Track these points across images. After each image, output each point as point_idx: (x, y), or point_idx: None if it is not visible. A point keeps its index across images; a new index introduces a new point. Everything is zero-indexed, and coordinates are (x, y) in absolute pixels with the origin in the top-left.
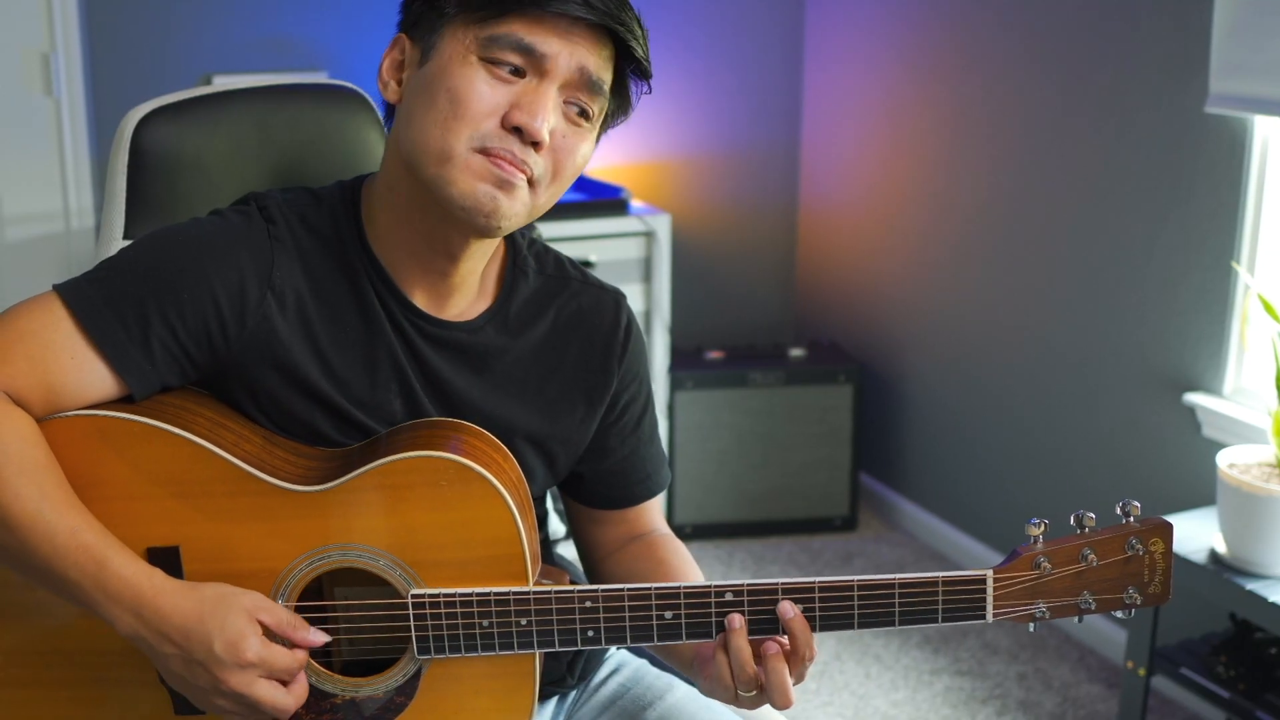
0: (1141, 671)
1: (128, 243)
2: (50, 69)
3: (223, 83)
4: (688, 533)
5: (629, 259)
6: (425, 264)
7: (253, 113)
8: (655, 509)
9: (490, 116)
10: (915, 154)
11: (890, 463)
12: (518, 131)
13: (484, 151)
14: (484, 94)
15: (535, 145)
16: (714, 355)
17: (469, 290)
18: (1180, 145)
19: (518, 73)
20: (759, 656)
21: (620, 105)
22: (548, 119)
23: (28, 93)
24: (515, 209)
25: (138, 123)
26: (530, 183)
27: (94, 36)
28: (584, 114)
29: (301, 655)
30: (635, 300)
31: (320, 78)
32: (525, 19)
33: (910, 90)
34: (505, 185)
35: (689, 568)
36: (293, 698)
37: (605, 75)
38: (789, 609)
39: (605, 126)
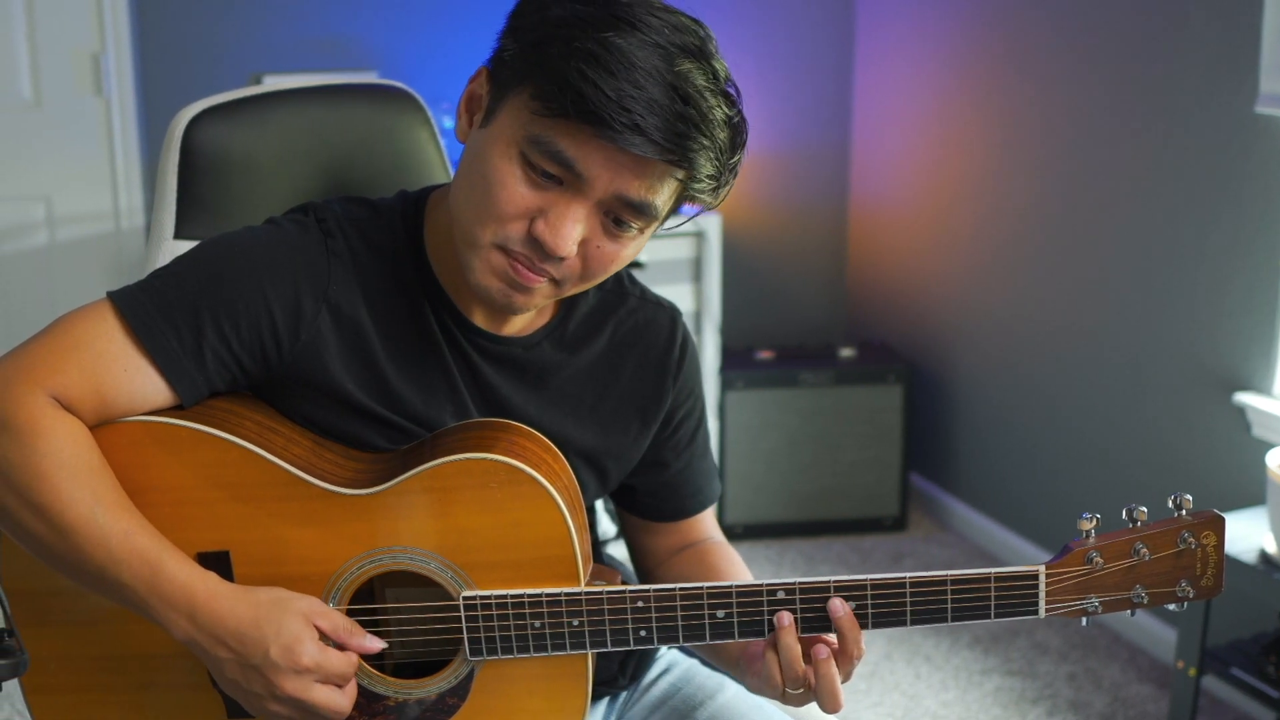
0: (1192, 671)
1: (178, 243)
2: (100, 69)
3: (273, 83)
4: (738, 533)
5: (679, 259)
6: None
7: (303, 113)
8: (708, 518)
9: (517, 219)
10: (965, 154)
11: (940, 463)
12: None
13: (504, 251)
14: (516, 194)
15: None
16: (764, 355)
17: None
18: (1230, 145)
19: (555, 178)
20: (808, 657)
21: (698, 193)
22: (572, 235)
23: (78, 93)
24: (534, 302)
25: (188, 123)
26: (553, 280)
27: (144, 37)
28: (625, 225)
29: (354, 658)
30: (685, 300)
31: (371, 78)
32: (573, 128)
33: (960, 90)
34: (519, 287)
35: (740, 573)
36: (347, 700)
37: (654, 196)
38: (839, 606)
39: (675, 210)
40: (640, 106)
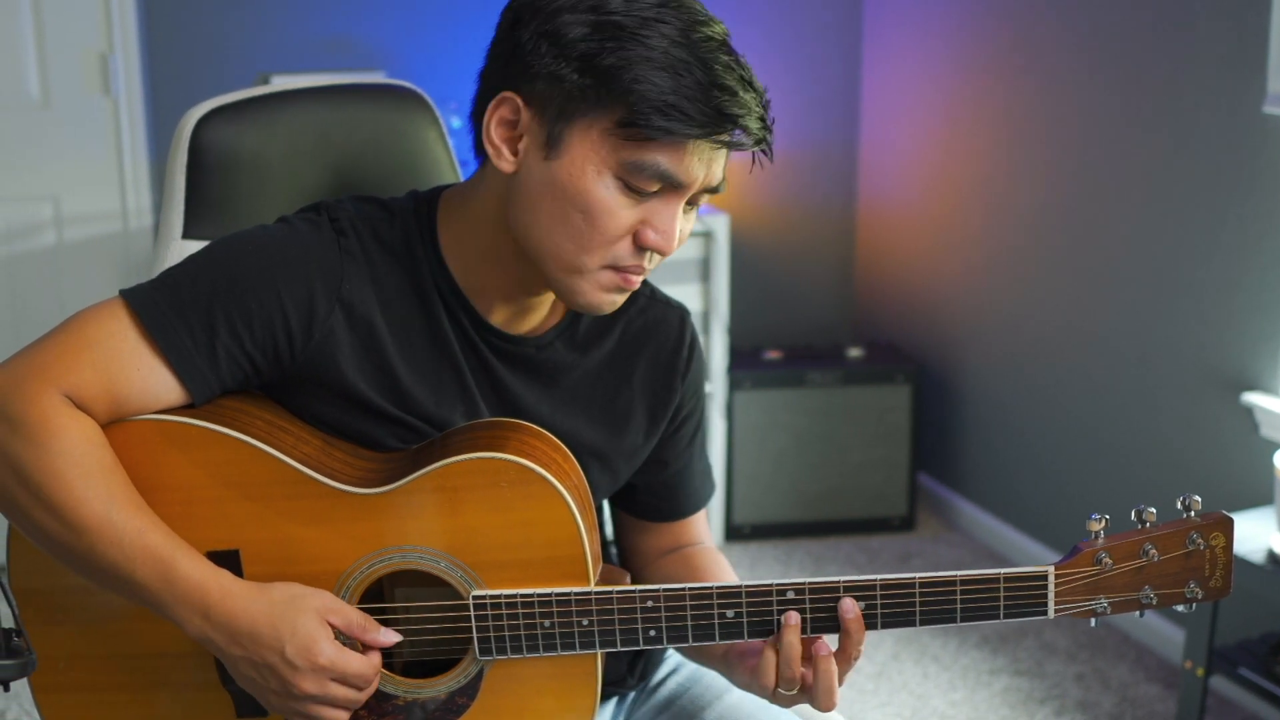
0: (1200, 671)
1: (187, 243)
2: (108, 69)
3: (280, 83)
4: (746, 533)
5: (687, 259)
6: (507, 293)
7: (311, 113)
8: (700, 522)
9: (624, 236)
10: (973, 153)
11: (948, 463)
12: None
13: (614, 268)
14: (620, 216)
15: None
16: (772, 355)
17: (545, 308)
18: (1238, 145)
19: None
20: (808, 656)
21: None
22: (677, 233)
23: (86, 93)
24: (626, 297)
25: (196, 122)
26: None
27: (152, 37)
28: (696, 203)
29: (376, 661)
30: (693, 300)
31: (378, 77)
32: (669, 143)
33: (969, 89)
34: (624, 292)
35: (728, 579)
36: (364, 699)
37: (723, 172)
38: (850, 607)
39: None
40: (735, 107)
